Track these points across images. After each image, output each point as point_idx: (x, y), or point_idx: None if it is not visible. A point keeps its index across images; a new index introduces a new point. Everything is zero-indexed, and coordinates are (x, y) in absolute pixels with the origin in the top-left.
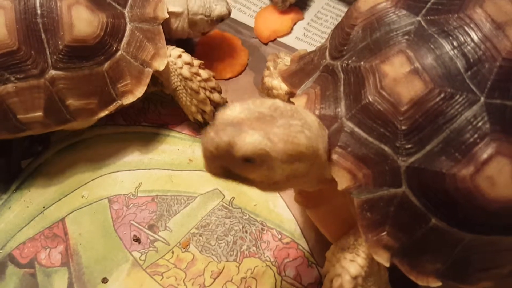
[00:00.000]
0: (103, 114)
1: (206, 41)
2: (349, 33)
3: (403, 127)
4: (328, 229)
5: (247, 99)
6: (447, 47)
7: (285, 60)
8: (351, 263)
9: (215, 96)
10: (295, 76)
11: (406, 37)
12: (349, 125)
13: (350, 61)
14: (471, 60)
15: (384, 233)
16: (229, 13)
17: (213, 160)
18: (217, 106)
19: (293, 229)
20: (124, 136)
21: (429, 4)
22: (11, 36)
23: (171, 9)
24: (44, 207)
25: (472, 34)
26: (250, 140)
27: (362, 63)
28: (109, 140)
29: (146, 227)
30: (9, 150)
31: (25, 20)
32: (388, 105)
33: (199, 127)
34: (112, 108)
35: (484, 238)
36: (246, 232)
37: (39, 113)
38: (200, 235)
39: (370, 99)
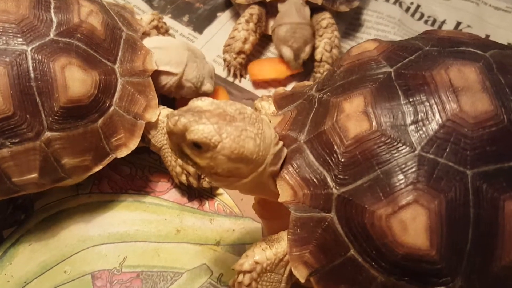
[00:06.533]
0: (97, 169)
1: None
2: (335, 72)
3: (343, 159)
4: None
5: None
6: (402, 99)
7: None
8: (261, 251)
9: None
10: (284, 100)
11: (372, 83)
12: (304, 147)
13: (325, 95)
14: (419, 115)
15: (307, 251)
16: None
17: (172, 136)
18: None
19: None
20: (110, 205)
21: (407, 60)
22: (6, 102)
23: (168, 69)
24: (25, 282)
25: (428, 92)
26: (201, 128)
27: (332, 98)
28: (94, 210)
29: None
30: None
31: (19, 85)
32: (336, 137)
33: (187, 193)
34: (106, 162)
35: (395, 282)
36: None
37: (35, 175)
38: None
39: (325, 128)
